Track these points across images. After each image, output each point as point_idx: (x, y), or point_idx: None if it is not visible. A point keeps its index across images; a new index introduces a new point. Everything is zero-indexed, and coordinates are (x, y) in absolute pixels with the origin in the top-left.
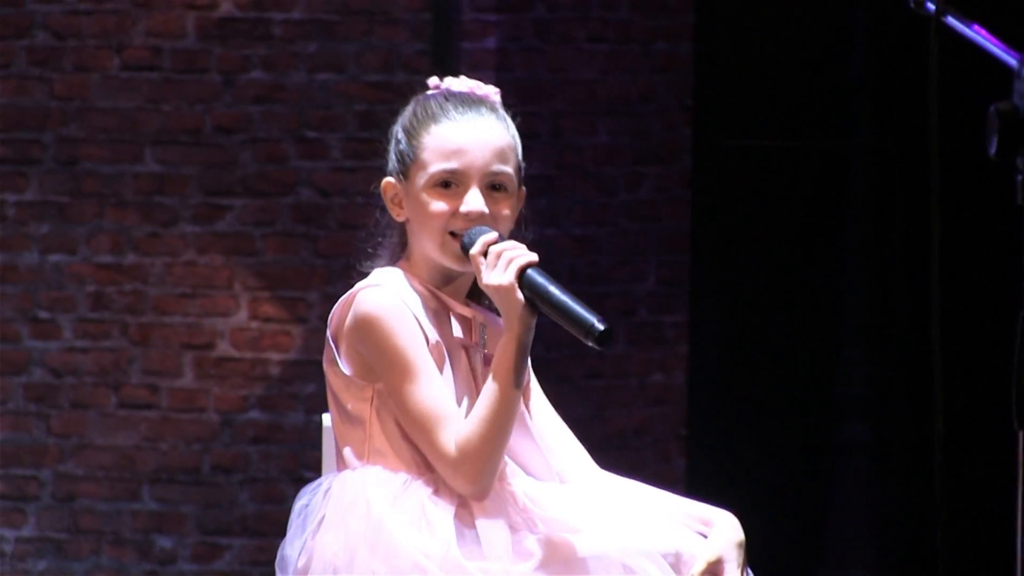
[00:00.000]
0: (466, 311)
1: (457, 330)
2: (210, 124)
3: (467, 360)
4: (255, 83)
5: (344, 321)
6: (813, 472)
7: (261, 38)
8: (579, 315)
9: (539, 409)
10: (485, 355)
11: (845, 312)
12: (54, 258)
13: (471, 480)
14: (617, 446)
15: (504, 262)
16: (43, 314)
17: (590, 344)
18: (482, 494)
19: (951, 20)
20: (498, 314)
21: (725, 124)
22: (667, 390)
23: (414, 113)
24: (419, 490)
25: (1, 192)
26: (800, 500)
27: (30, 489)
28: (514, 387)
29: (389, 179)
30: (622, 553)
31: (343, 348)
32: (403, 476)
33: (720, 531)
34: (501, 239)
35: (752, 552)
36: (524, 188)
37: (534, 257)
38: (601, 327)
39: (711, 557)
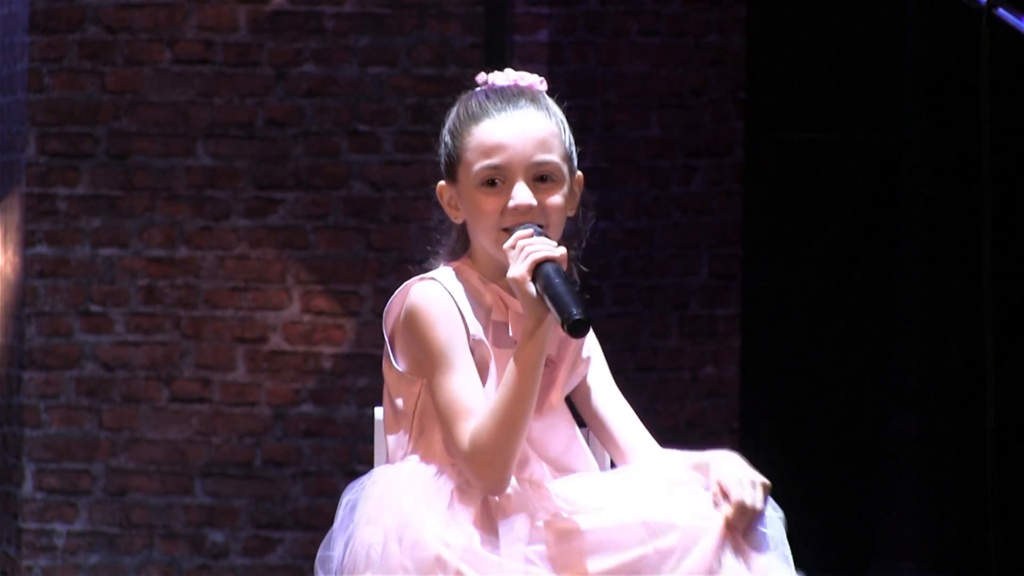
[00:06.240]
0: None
1: (511, 327)
2: (262, 118)
3: None
4: (307, 77)
5: (399, 316)
6: (865, 464)
7: (313, 31)
8: (563, 304)
9: (602, 390)
10: None
11: (897, 305)
12: (106, 252)
13: (480, 474)
14: (669, 439)
15: (523, 256)
16: (95, 308)
17: (565, 331)
18: (493, 489)
19: (1002, 12)
20: None
21: (777, 117)
22: (719, 383)
23: (457, 115)
24: (448, 481)
25: (53, 186)
26: (852, 492)
27: (82, 483)
28: (526, 382)
29: (442, 183)
30: (644, 514)
31: (397, 343)
32: (435, 467)
33: (720, 463)
34: (538, 233)
35: (805, 544)
36: (580, 173)
37: (555, 253)
38: (577, 316)
39: (724, 482)
